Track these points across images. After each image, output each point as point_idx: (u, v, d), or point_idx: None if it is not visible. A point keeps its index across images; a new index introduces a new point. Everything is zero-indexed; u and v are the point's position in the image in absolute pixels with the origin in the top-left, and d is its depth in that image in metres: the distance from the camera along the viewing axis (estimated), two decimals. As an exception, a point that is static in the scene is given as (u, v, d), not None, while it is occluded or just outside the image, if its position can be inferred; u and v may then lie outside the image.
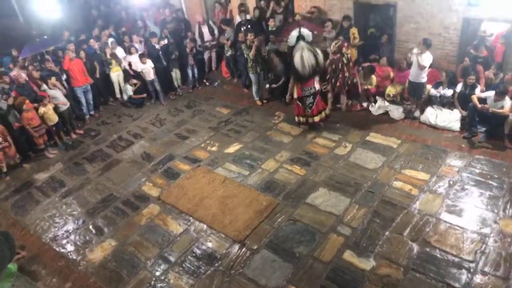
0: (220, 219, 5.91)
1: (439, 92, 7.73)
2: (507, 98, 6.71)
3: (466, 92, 7.36)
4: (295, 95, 7.69)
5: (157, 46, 9.63)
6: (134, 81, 9.75)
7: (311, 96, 7.58)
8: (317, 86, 7.56)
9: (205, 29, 10.39)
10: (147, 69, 9.41)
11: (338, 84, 7.85)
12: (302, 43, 7.33)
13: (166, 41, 9.88)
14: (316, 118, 7.76)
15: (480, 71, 7.56)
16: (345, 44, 7.71)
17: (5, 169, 7.42)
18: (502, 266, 4.74)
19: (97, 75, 9.35)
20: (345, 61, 7.66)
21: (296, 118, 7.95)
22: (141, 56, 9.36)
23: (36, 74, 8.17)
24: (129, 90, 9.68)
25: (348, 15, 8.75)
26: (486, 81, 7.52)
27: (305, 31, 7.41)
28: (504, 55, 7.64)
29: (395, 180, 6.30)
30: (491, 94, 6.85)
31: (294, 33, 7.45)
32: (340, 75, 7.76)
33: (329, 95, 8.11)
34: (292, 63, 7.38)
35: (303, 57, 7.22)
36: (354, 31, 8.52)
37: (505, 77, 7.15)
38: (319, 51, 7.46)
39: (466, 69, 7.64)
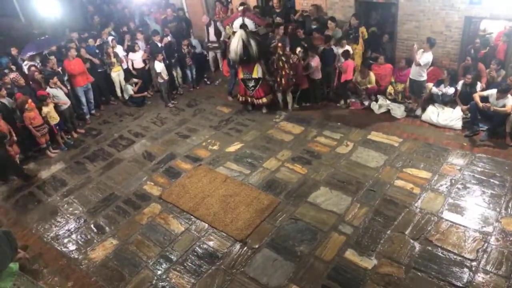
0: (222, 218, 5.91)
1: (440, 90, 7.70)
2: (509, 96, 6.68)
3: (467, 90, 7.35)
4: (239, 76, 8.47)
5: (159, 45, 9.61)
6: (135, 80, 9.74)
7: (252, 80, 8.36)
8: (256, 74, 8.29)
9: (211, 30, 10.36)
10: (164, 69, 9.30)
11: (283, 82, 8.22)
12: (240, 31, 8.01)
13: (169, 38, 9.85)
14: (260, 101, 8.59)
15: (482, 70, 7.55)
16: (279, 45, 8.01)
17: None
18: (504, 265, 4.73)
19: (98, 70, 9.34)
20: (284, 59, 8.02)
21: (238, 96, 8.82)
22: (156, 55, 9.18)
23: (38, 76, 8.17)
24: (130, 90, 9.67)
25: (355, 13, 8.72)
26: (488, 79, 7.49)
27: (248, 21, 8.23)
28: (506, 53, 7.63)
29: (397, 178, 6.29)
30: (493, 92, 6.82)
31: (237, 22, 8.29)
32: (283, 73, 8.11)
33: (279, 94, 8.66)
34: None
35: (232, 44, 8.03)
36: (363, 30, 8.51)
37: (508, 79, 7.13)
38: (252, 42, 7.99)
39: (467, 68, 7.63)
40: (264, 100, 8.56)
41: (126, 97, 9.78)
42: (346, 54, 8.16)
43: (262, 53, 8.26)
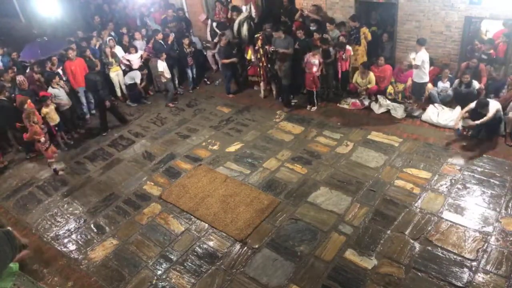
0: (222, 218, 5.91)
1: (438, 87, 7.76)
2: (490, 103, 6.63)
3: (462, 89, 7.39)
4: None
5: (164, 44, 9.58)
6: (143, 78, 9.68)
7: (246, 60, 9.44)
8: (248, 56, 9.24)
9: (207, 28, 10.35)
10: (166, 68, 9.29)
11: (262, 72, 8.93)
12: (243, 13, 9.19)
13: (173, 36, 9.84)
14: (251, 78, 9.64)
15: (482, 69, 7.54)
16: (260, 38, 8.55)
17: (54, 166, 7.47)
18: (504, 265, 4.73)
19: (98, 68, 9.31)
20: (261, 52, 8.61)
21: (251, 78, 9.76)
22: (160, 55, 9.16)
23: (37, 76, 8.17)
24: (138, 77, 9.50)
25: (355, 14, 8.71)
26: (488, 78, 7.50)
27: (252, 7, 9.39)
28: (506, 53, 7.62)
29: (397, 178, 6.29)
30: (471, 106, 6.80)
31: (244, 8, 9.46)
32: (261, 64, 8.78)
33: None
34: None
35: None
36: (365, 30, 8.52)
37: (508, 79, 7.11)
38: (245, 26, 9.05)
39: (470, 69, 7.62)
40: (253, 78, 9.50)
41: (128, 81, 9.57)
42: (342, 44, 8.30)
43: (252, 39, 8.90)
